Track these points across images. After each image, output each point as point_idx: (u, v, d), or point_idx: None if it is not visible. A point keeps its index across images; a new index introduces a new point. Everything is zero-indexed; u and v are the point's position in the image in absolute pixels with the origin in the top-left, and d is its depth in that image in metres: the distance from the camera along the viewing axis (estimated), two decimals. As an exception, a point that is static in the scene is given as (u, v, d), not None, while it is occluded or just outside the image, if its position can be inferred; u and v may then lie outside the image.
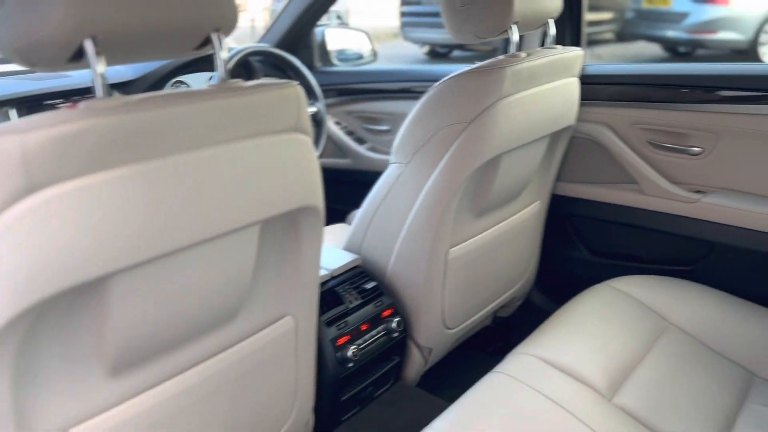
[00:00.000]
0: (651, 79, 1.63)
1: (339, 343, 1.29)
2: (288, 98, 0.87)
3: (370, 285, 1.40)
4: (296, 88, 0.89)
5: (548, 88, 1.39)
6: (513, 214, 1.59)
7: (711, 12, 6.87)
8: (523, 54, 1.34)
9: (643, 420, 1.17)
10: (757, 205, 1.51)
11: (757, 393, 1.30)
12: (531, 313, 1.94)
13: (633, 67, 1.68)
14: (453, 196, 1.31)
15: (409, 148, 1.35)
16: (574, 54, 1.46)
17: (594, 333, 1.35)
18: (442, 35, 8.23)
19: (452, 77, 1.29)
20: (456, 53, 9.29)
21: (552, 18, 1.43)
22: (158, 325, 0.83)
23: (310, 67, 2.28)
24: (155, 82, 1.71)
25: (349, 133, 2.27)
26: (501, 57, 1.33)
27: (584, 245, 1.86)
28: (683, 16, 7.01)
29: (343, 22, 10.37)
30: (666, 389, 1.24)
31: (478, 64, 1.31)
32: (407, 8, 8.65)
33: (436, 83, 1.31)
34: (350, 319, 1.33)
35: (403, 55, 9.44)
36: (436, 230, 1.34)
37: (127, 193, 0.70)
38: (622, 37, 8.45)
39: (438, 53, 9.34)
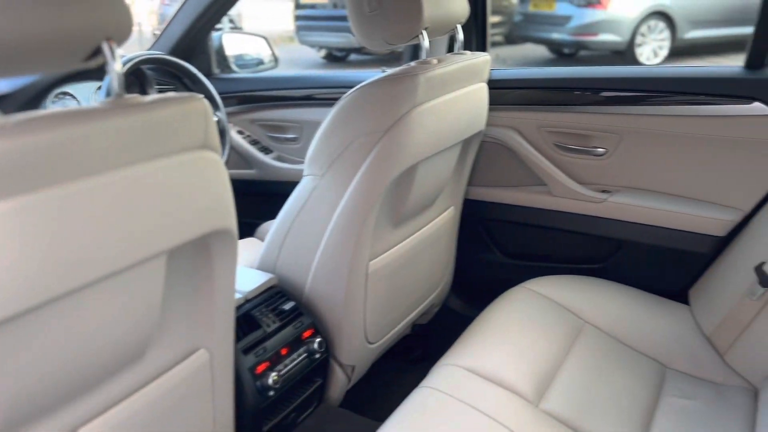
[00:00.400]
0: (555, 82, 1.66)
1: (258, 372, 1.21)
2: (193, 113, 0.79)
3: (288, 306, 1.33)
4: (202, 102, 0.81)
5: (460, 94, 1.38)
6: (429, 222, 1.57)
7: (591, 15, 7.26)
8: (434, 60, 1.32)
9: (570, 423, 1.18)
10: (660, 202, 1.57)
11: (671, 385, 1.34)
12: (449, 318, 1.93)
13: (537, 71, 1.70)
14: (372, 207, 1.26)
15: (324, 159, 1.29)
16: (482, 59, 1.45)
17: (515, 338, 1.35)
18: (338, 39, 8.19)
19: (365, 86, 1.24)
20: (353, 57, 9.29)
21: (460, 23, 1.41)
22: (50, 377, 0.73)
23: (208, 75, 2.16)
24: (35, 95, 1.54)
25: (254, 143, 2.17)
26: (413, 64, 1.30)
27: (498, 248, 1.87)
28: (567, 19, 7.37)
29: (236, 27, 10.10)
30: (588, 390, 1.25)
31: (390, 71, 1.27)
32: (302, 12, 8.53)
33: (349, 92, 1.26)
34: (269, 344, 1.25)
35: (299, 59, 9.32)
36: (356, 243, 1.29)
37: (7, 231, 0.60)
38: (510, 39, 8.77)
39: (335, 57, 9.30)
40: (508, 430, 1.10)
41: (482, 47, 1.77)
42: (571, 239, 1.73)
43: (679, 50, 7.53)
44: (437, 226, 1.60)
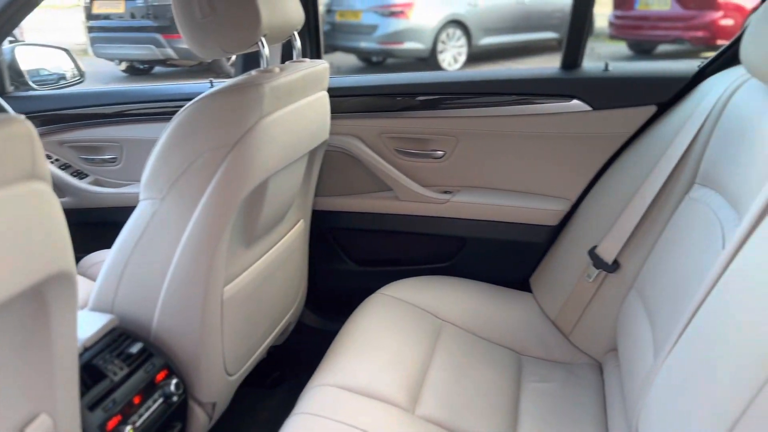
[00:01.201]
0: (391, 89, 1.67)
1: (109, 428, 1.05)
2: (17, 138, 0.65)
3: (135, 348, 1.18)
4: (26, 125, 0.67)
5: (305, 103, 1.33)
6: (281, 238, 1.49)
7: (396, 24, 7.59)
8: (276, 69, 1.25)
9: (446, 425, 1.19)
10: (497, 198, 1.66)
11: (527, 371, 1.41)
12: (305, 335, 1.87)
13: (374, 77, 1.71)
14: (224, 228, 1.16)
15: (164, 180, 1.17)
16: (322, 67, 1.42)
17: (381, 347, 1.33)
18: (139, 51, 7.65)
19: (205, 98, 1.14)
20: (158, 69, 8.76)
21: (296, 30, 1.36)
22: None
23: (1, 94, 1.88)
24: None
25: (65, 167, 1.92)
26: (253, 73, 1.23)
27: (349, 257, 1.85)
28: (373, 28, 7.63)
29: (16, 40, 9.02)
30: (457, 389, 1.28)
31: (230, 81, 1.19)
32: (95, 23, 7.84)
33: (186, 105, 1.15)
34: (118, 394, 1.10)
35: (98, 73, 8.57)
36: (209, 268, 1.18)
37: None
38: (321, 48, 8.85)
39: (138, 70, 8.69)
40: None
41: (317, 55, 1.74)
42: (419, 241, 1.76)
43: (476, 56, 8.16)
44: (289, 242, 1.53)
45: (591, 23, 1.57)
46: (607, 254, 1.42)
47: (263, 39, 1.20)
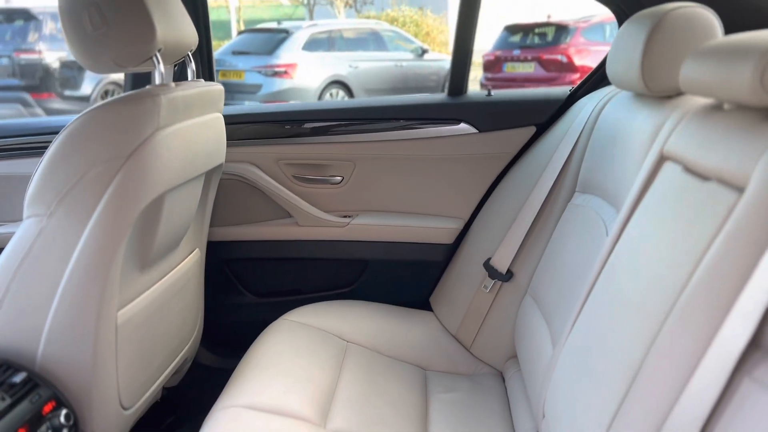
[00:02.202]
0: (287, 116, 1.69)
1: None
2: None
3: (18, 378, 1.07)
4: None
5: (202, 121, 1.31)
6: (176, 265, 1.44)
7: (280, 84, 7.71)
8: (172, 84, 1.24)
9: None
10: (395, 219, 1.70)
11: (434, 384, 1.43)
12: (201, 376, 1.77)
13: (268, 105, 1.72)
14: (120, 245, 1.11)
15: (51, 195, 1.10)
16: (217, 88, 1.41)
17: (287, 368, 1.31)
18: (2, 110, 7.18)
19: (97, 108, 1.10)
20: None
21: (191, 51, 1.36)
22: None
23: None
24: None
25: None
26: (149, 87, 1.20)
27: (248, 289, 1.80)
28: (257, 87, 7.69)
29: None
30: (367, 404, 1.27)
31: (125, 93, 1.16)
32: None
33: (76, 116, 1.10)
34: (0, 426, 0.99)
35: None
36: (103, 290, 1.11)
37: None
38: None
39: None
40: None
41: (211, 78, 1.73)
42: (320, 267, 1.76)
43: (359, 115, 8.41)
44: (184, 270, 1.48)
45: (471, 55, 1.69)
46: (501, 265, 1.49)
47: (158, 54, 1.19)
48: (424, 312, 1.66)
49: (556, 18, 8.69)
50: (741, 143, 0.74)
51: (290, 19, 16.83)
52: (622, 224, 0.99)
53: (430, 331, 1.60)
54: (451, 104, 1.68)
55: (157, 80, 1.22)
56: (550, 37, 8.25)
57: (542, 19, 8.86)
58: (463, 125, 1.65)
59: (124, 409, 1.25)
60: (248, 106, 1.73)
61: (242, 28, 14.40)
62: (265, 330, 1.47)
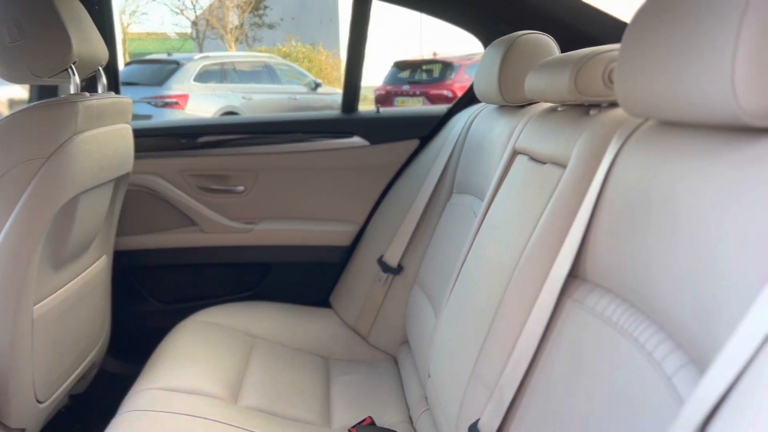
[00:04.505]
0: (190, 129, 1.81)
1: None
2: None
3: None
4: None
5: (114, 129, 1.41)
6: (86, 268, 1.50)
7: (170, 115, 7.62)
8: (86, 94, 1.33)
9: (267, 411, 1.31)
10: (297, 224, 1.85)
11: (335, 369, 1.58)
12: (108, 383, 1.81)
13: (173, 120, 1.83)
14: (38, 241, 1.18)
15: None
16: (127, 101, 1.52)
17: (200, 357, 1.41)
18: None
19: (17, 113, 1.19)
20: None
21: (102, 65, 1.46)
22: None
23: None
24: None
25: None
26: (66, 95, 1.29)
27: (153, 296, 1.87)
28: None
29: None
30: (274, 386, 1.40)
31: (45, 100, 1.24)
32: None
33: (0, 119, 1.18)
34: None
35: None
36: (22, 283, 1.17)
37: None
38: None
39: None
40: (218, 423, 1.16)
41: (117, 92, 1.82)
42: (225, 272, 1.86)
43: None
44: (93, 274, 1.54)
45: (360, 76, 1.89)
46: (393, 260, 1.68)
47: (73, 66, 1.29)
48: (325, 309, 1.81)
49: (442, 55, 9.27)
50: (567, 132, 0.97)
51: (179, 51, 16.65)
52: (486, 209, 1.21)
53: (330, 325, 1.75)
54: (345, 119, 1.87)
55: (72, 90, 1.31)
56: (436, 74, 8.80)
57: (429, 55, 9.41)
58: (356, 138, 1.84)
59: (39, 402, 1.30)
60: (152, 121, 1.83)
61: (128, 60, 14.09)
62: (174, 328, 1.56)
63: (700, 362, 0.54)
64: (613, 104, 0.94)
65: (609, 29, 1.47)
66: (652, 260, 0.63)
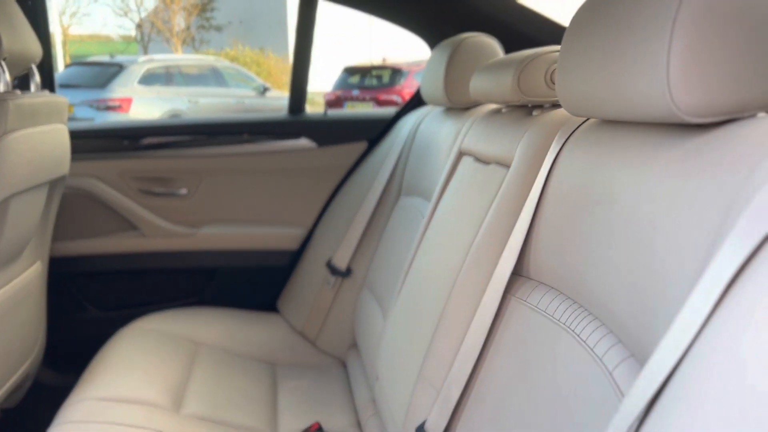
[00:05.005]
0: (130, 131, 1.75)
1: None
2: None
3: None
4: None
5: (49, 129, 1.35)
6: (18, 275, 1.43)
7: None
8: (18, 92, 1.27)
9: (212, 419, 1.27)
10: (243, 228, 1.81)
11: (282, 376, 1.56)
12: (43, 396, 1.73)
13: (113, 122, 1.77)
14: None
15: None
16: (63, 100, 1.46)
17: (140, 365, 1.36)
18: None
19: None
20: None
21: (35, 63, 1.40)
22: None
23: None
24: None
25: None
26: None
27: (92, 304, 1.80)
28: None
29: None
30: (218, 393, 1.36)
31: None
32: None
33: None
34: None
35: None
36: None
37: None
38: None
39: None
40: None
41: (52, 91, 1.74)
42: (168, 278, 1.81)
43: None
44: (26, 282, 1.47)
45: (307, 76, 1.87)
46: (341, 263, 1.66)
47: (3, 63, 1.23)
48: (272, 314, 1.78)
49: (391, 61, 9.32)
50: (510, 133, 0.97)
51: (123, 54, 16.22)
52: (432, 210, 1.21)
53: (277, 330, 1.72)
54: (292, 121, 1.84)
55: (1, 88, 1.25)
56: (386, 79, 8.85)
57: (378, 60, 9.45)
58: (303, 140, 1.82)
59: None
60: (91, 122, 1.76)
61: (69, 61, 13.62)
62: (113, 336, 1.50)
63: (640, 356, 0.55)
64: (556, 105, 0.95)
65: (549, 31, 1.50)
66: (592, 257, 0.64)
